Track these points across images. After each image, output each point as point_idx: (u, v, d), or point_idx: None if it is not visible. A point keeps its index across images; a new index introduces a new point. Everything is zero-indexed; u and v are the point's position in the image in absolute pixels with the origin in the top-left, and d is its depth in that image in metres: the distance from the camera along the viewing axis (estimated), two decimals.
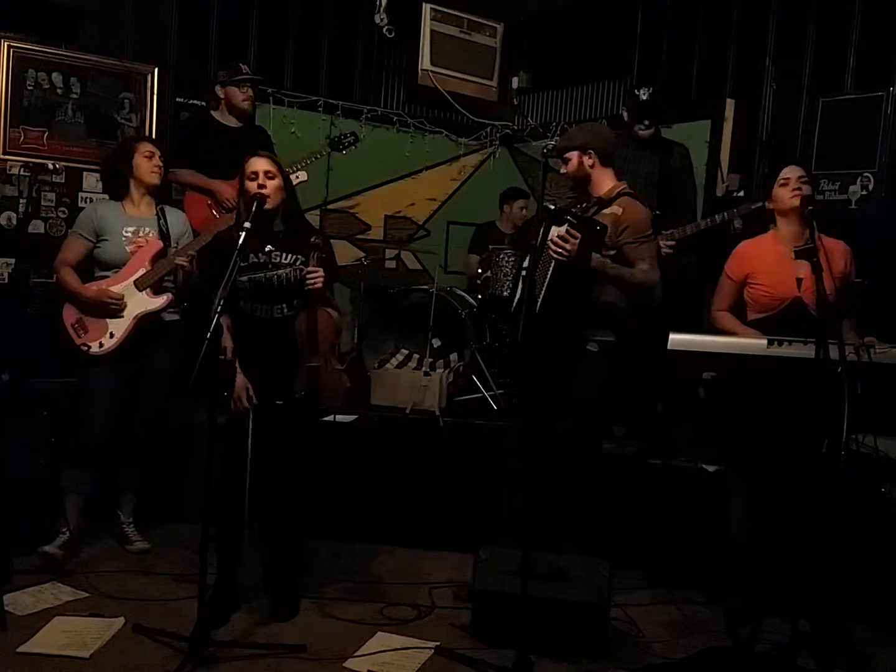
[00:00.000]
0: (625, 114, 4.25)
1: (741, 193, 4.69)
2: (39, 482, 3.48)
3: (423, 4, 5.75)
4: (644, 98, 4.12)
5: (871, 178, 4.18)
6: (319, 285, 2.96)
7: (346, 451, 3.90)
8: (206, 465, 2.79)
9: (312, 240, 2.99)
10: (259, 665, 2.77)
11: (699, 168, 4.70)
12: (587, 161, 3.28)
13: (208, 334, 2.64)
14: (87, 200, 4.50)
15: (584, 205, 3.33)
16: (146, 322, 3.49)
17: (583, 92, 5.91)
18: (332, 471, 3.78)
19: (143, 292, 3.48)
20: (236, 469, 3.06)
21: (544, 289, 3.10)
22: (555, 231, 3.07)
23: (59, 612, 3.05)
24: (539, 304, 3.10)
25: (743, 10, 4.86)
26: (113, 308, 3.44)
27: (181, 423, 3.87)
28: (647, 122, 4.13)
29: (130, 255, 3.50)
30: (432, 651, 2.92)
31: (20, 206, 4.32)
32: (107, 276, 3.51)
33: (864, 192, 4.20)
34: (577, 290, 3.12)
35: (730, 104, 4.74)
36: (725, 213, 4.01)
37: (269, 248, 3.06)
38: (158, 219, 3.58)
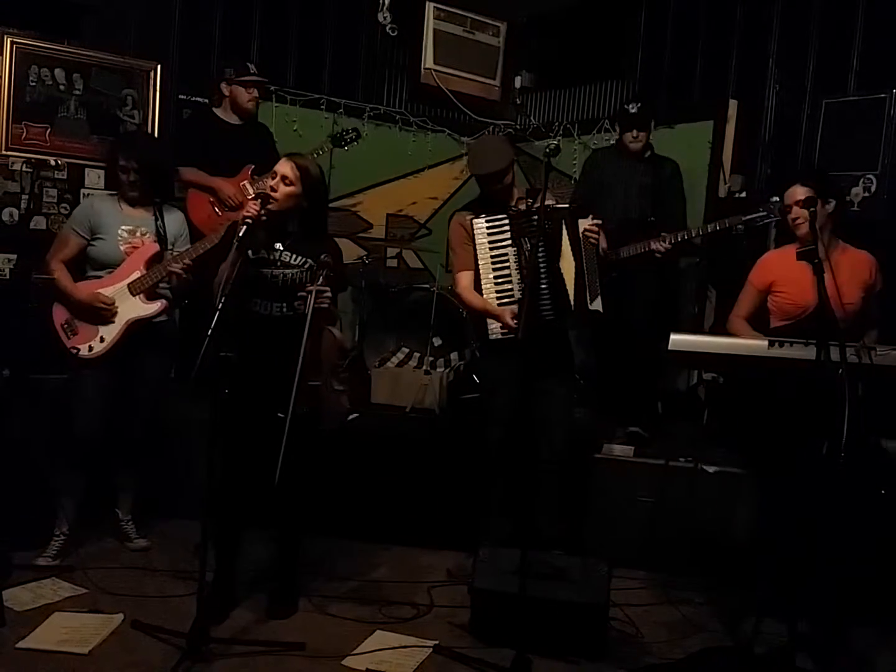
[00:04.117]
0: (616, 127, 4.41)
1: (743, 194, 4.69)
2: (39, 477, 3.47)
3: (427, 3, 5.74)
4: (633, 111, 4.21)
5: (874, 180, 4.18)
6: (326, 305, 2.89)
7: (347, 449, 3.90)
8: (207, 463, 2.79)
9: (323, 257, 2.91)
10: (257, 662, 2.77)
11: (702, 169, 4.71)
12: (512, 172, 3.38)
13: (209, 331, 2.64)
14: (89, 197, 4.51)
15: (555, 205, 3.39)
16: (137, 327, 3.43)
17: (585, 92, 5.90)
18: (332, 469, 3.78)
19: (137, 297, 3.42)
20: (236, 466, 3.06)
21: (597, 271, 3.27)
22: (583, 223, 3.24)
23: (58, 608, 3.05)
24: (600, 289, 3.25)
25: (746, 12, 4.85)
26: (104, 314, 3.38)
27: (180, 420, 3.87)
28: (635, 133, 4.20)
29: (125, 255, 3.44)
30: (431, 650, 2.92)
31: (22, 202, 4.32)
32: (100, 277, 3.45)
33: (867, 194, 4.20)
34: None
35: (732, 105, 4.74)
36: (726, 221, 4.01)
37: (278, 245, 3.06)
38: (156, 219, 3.51)
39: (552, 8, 5.92)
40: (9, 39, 4.36)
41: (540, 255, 3.20)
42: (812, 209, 2.99)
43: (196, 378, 2.58)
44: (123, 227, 3.46)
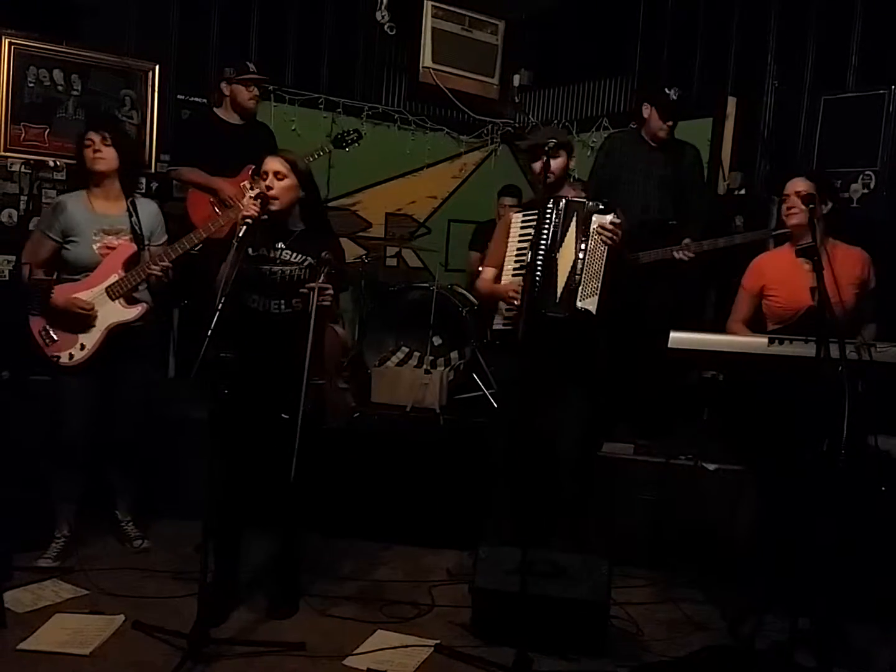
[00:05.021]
0: (649, 111, 4.09)
1: (742, 191, 4.69)
2: (40, 479, 3.46)
3: (425, 1, 5.74)
4: (674, 98, 4.05)
5: (873, 176, 4.18)
6: (328, 303, 2.88)
7: (347, 448, 3.89)
8: (208, 463, 2.79)
9: (324, 255, 2.90)
10: (258, 663, 2.77)
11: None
12: (570, 164, 3.32)
13: (209, 331, 2.64)
14: None
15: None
16: (118, 332, 3.34)
17: (584, 89, 5.90)
18: (333, 468, 3.77)
19: (117, 301, 3.33)
20: (236, 467, 3.05)
21: (602, 274, 3.12)
22: (598, 220, 3.13)
23: (59, 609, 3.04)
24: (600, 290, 3.12)
25: (744, 8, 4.85)
26: (83, 319, 3.28)
27: (180, 421, 3.87)
28: (671, 123, 4.05)
29: (100, 256, 3.33)
30: (432, 649, 2.91)
31: (21, 203, 4.32)
32: (76, 280, 3.34)
33: (866, 191, 4.20)
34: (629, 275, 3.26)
35: (731, 102, 4.74)
36: (747, 235, 3.95)
37: (280, 245, 3.05)
38: (130, 215, 3.40)
39: (550, 6, 5.92)
40: (7, 40, 4.36)
41: (542, 244, 3.18)
42: (811, 206, 2.98)
43: (196, 377, 2.58)
44: (97, 227, 3.35)
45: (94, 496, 3.57)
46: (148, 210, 3.49)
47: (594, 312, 3.10)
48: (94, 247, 3.34)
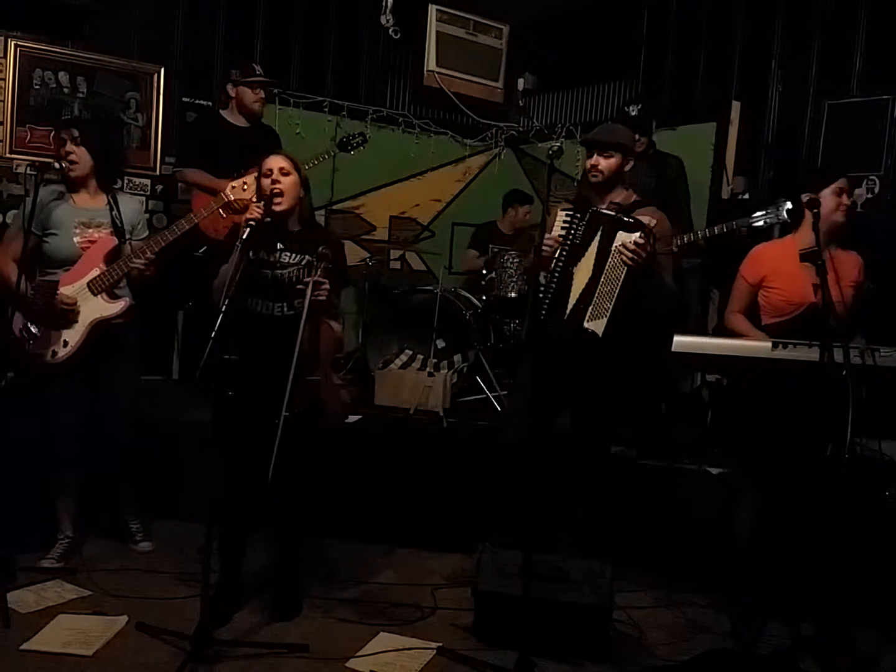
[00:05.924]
0: None
1: (746, 196, 4.70)
2: (43, 479, 3.47)
3: (429, 6, 5.77)
4: (633, 114, 4.15)
5: (877, 182, 4.19)
6: (323, 298, 2.87)
7: (350, 451, 3.90)
8: (211, 465, 2.79)
9: (321, 249, 2.89)
10: (261, 664, 2.77)
11: (705, 171, 4.71)
12: (626, 166, 3.22)
13: (213, 333, 2.64)
14: None
15: (618, 212, 3.18)
16: (101, 328, 3.28)
17: (588, 94, 5.92)
18: (336, 470, 3.78)
19: (99, 296, 3.26)
20: (239, 469, 3.06)
21: (616, 296, 3.02)
22: (623, 237, 3.01)
23: (62, 610, 3.04)
24: (610, 312, 3.03)
25: (748, 13, 4.86)
26: (66, 315, 3.20)
27: (183, 422, 3.87)
28: (637, 137, 4.06)
29: (81, 250, 3.26)
30: (434, 652, 2.91)
31: (27, 205, 4.32)
32: (56, 275, 3.26)
33: (870, 196, 4.20)
34: (652, 292, 3.12)
35: (735, 107, 4.75)
36: (734, 223, 3.98)
37: (279, 246, 3.05)
38: (110, 209, 3.33)
39: (555, 10, 5.94)
40: (13, 43, 4.38)
41: (564, 254, 3.15)
42: (816, 210, 2.98)
43: (200, 380, 2.58)
44: (77, 220, 3.28)
45: (97, 497, 3.58)
46: (129, 205, 3.45)
47: (600, 335, 3.02)
48: (75, 240, 3.28)
